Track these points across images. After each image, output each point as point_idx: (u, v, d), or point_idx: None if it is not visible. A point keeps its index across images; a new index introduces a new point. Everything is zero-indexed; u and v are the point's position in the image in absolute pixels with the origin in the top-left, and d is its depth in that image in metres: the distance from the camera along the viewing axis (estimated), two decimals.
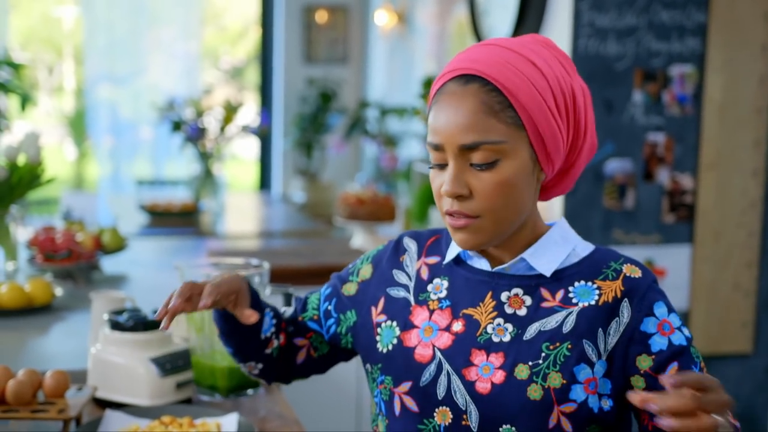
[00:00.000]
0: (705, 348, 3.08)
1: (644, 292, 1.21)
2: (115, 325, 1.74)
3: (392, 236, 3.89)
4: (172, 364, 1.73)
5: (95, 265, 2.80)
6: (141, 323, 1.73)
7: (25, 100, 4.04)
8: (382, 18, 5.38)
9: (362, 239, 3.57)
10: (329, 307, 1.41)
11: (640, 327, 1.20)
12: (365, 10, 6.01)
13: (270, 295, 1.75)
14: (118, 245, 3.04)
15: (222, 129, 4.58)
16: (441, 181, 1.22)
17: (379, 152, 5.24)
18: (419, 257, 1.36)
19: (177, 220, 4.20)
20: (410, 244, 1.38)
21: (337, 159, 6.01)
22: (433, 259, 1.35)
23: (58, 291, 2.49)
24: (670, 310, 1.22)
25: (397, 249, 1.39)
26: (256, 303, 1.38)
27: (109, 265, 2.97)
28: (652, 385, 1.19)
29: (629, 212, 3.00)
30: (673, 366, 1.18)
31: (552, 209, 3.00)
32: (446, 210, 1.22)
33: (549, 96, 1.19)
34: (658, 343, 1.19)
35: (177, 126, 4.61)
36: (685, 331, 1.21)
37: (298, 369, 1.45)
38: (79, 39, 7.15)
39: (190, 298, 1.29)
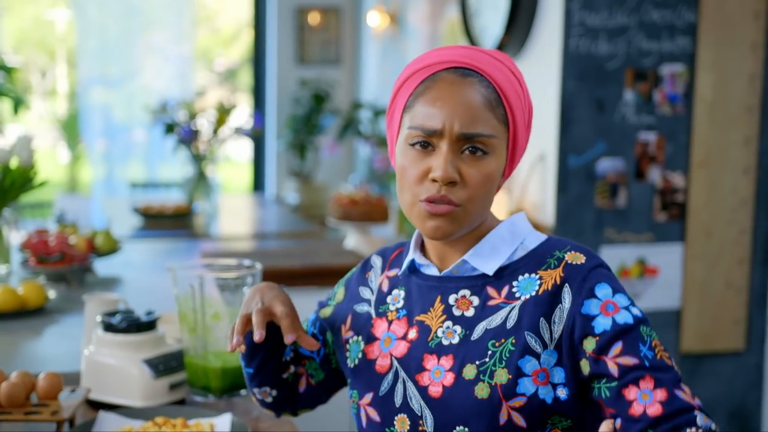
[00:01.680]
0: (697, 346, 3.09)
1: (585, 275, 1.18)
2: (108, 327, 1.74)
3: (385, 237, 3.90)
4: (165, 365, 1.73)
5: (88, 268, 2.80)
6: (134, 325, 1.74)
7: (18, 104, 4.03)
8: (375, 19, 5.39)
9: (355, 240, 3.58)
10: (315, 331, 1.43)
11: (581, 310, 1.16)
12: (358, 12, 6.02)
13: None
14: (112, 248, 3.05)
15: (215, 131, 4.58)
16: (425, 166, 1.20)
17: (372, 153, 5.25)
18: (383, 271, 1.38)
19: (170, 223, 4.20)
20: (376, 261, 1.40)
21: (330, 160, 6.01)
22: (393, 272, 1.36)
23: (51, 294, 2.49)
24: (617, 291, 1.18)
25: (364, 267, 1.41)
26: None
27: (102, 267, 2.97)
28: (596, 368, 1.15)
29: (621, 211, 3.01)
30: (617, 345, 1.14)
31: (545, 208, 3.01)
32: (428, 196, 1.20)
33: (526, 108, 1.24)
34: (602, 324, 1.15)
35: (170, 128, 4.61)
36: (634, 310, 1.16)
37: (301, 398, 1.46)
38: (72, 42, 7.15)
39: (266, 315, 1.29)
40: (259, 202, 5.58)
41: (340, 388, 1.47)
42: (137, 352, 1.72)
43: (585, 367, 1.16)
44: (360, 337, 1.34)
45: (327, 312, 1.43)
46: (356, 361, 1.33)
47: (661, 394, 1.11)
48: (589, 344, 1.15)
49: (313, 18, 6.02)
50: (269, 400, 1.44)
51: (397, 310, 1.31)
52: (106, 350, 1.73)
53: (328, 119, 5.84)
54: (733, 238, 3.09)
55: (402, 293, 1.32)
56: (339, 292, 1.43)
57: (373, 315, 1.34)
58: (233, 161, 9.27)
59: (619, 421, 1.13)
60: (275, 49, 6.05)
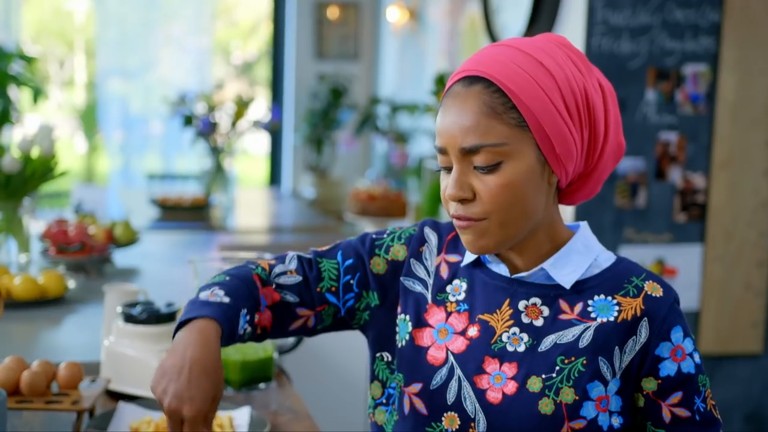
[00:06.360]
0: (715, 348, 3.07)
1: (665, 314, 1.19)
2: (129, 318, 1.74)
3: None
4: None
5: (107, 258, 2.81)
6: (154, 316, 1.74)
7: (37, 94, 4.05)
8: (394, 14, 5.38)
9: None
10: (351, 281, 1.30)
11: (655, 351, 1.18)
12: (377, 7, 6.01)
13: None
14: (130, 239, 3.05)
15: (233, 124, 4.59)
16: (446, 184, 1.19)
17: (389, 149, 5.24)
18: (439, 252, 1.31)
19: (187, 215, 4.21)
20: (431, 236, 1.32)
21: (347, 155, 6.01)
22: (453, 257, 1.30)
23: (71, 283, 2.50)
24: (686, 334, 1.20)
25: (419, 238, 1.32)
26: (233, 325, 1.21)
27: (120, 258, 2.98)
28: (650, 406, 1.19)
29: (641, 211, 3.00)
30: (676, 395, 1.18)
31: (564, 207, 3.00)
32: (451, 213, 1.19)
33: (557, 96, 1.15)
34: (667, 368, 1.18)
35: (189, 120, 4.62)
36: (696, 357, 1.20)
37: (285, 333, 1.32)
38: (91, 33, 7.17)
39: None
40: (276, 196, 5.59)
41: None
42: (157, 343, 1.73)
43: (639, 400, 1.20)
44: (408, 317, 1.28)
45: (380, 267, 1.31)
46: (403, 342, 1.27)
47: None
48: (650, 384, 1.19)
49: (332, 12, 6.02)
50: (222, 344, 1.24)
51: (458, 302, 1.26)
52: (127, 341, 1.73)
53: (345, 114, 5.84)
54: (753, 240, 3.07)
55: (464, 285, 1.27)
56: (397, 248, 1.32)
57: (429, 300, 1.28)
58: (250, 154, 9.28)
59: None
60: (294, 43, 6.04)
